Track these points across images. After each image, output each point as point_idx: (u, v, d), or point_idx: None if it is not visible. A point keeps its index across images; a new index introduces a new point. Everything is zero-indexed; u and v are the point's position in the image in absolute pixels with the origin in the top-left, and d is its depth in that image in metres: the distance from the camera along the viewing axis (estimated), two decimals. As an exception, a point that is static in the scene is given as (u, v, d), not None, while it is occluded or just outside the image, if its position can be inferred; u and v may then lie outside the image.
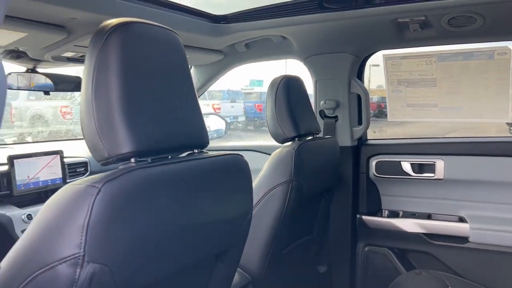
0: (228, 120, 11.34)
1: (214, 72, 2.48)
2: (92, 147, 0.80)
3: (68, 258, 0.66)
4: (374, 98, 7.81)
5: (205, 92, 2.81)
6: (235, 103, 13.57)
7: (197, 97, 0.98)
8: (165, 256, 0.81)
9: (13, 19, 1.30)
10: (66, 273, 0.66)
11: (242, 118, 13.12)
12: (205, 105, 10.52)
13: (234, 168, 0.98)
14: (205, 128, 0.98)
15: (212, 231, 0.93)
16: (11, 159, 1.80)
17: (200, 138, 0.94)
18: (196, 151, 0.94)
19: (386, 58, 2.10)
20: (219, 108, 11.84)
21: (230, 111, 12.44)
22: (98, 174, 0.72)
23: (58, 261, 0.67)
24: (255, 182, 1.65)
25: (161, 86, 0.86)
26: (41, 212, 0.72)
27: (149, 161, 0.81)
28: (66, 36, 1.48)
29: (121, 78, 0.78)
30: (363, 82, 2.23)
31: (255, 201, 1.60)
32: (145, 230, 0.74)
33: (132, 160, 0.79)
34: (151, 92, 0.83)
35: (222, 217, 0.95)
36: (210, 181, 0.91)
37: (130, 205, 0.71)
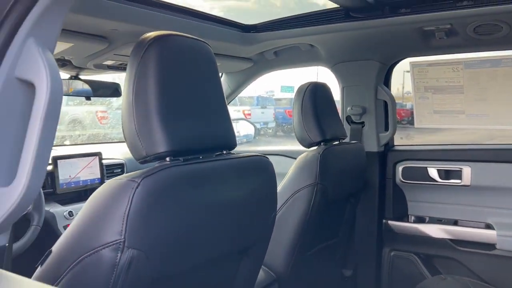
0: (258, 126, 11.43)
1: (244, 79, 2.57)
2: (131, 147, 0.89)
3: (110, 244, 0.75)
4: (408, 104, 7.74)
5: (236, 98, 2.89)
6: (265, 109, 13.66)
7: (227, 103, 1.06)
8: (195, 246, 0.88)
9: (62, 31, 1.42)
10: (109, 256, 0.75)
11: (272, 124, 13.18)
12: (235, 111, 10.65)
13: (259, 168, 1.05)
14: (233, 131, 1.05)
15: (237, 225, 1.01)
16: (55, 160, 1.94)
17: (228, 140, 1.02)
18: (224, 152, 1.02)
19: (413, 65, 2.13)
20: (249, 114, 11.95)
21: (260, 117, 12.54)
22: (137, 171, 0.81)
23: (102, 246, 0.76)
24: (281, 185, 1.71)
25: (194, 93, 0.94)
26: (88, 203, 0.82)
27: (182, 160, 0.90)
28: (107, 46, 1.59)
29: (159, 85, 0.86)
30: (390, 89, 2.26)
31: (281, 203, 1.67)
32: (177, 221, 0.82)
33: (167, 159, 0.87)
34: (185, 98, 0.92)
35: (247, 213, 1.02)
36: (236, 179, 0.98)
37: (165, 198, 0.80)
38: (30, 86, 0.68)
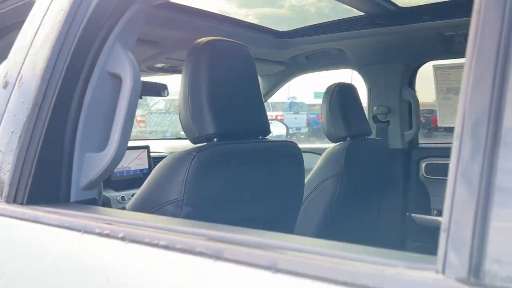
0: (291, 131, 11.60)
1: (277, 81, 2.78)
2: (187, 129, 1.11)
3: (173, 201, 0.97)
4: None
5: (269, 103, 3.10)
6: (298, 114, 13.83)
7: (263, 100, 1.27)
8: (234, 208, 1.09)
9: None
10: (171, 211, 0.97)
11: (304, 130, 13.32)
12: (268, 116, 10.86)
13: (288, 151, 1.26)
14: (268, 121, 1.26)
15: (268, 196, 1.20)
16: (110, 151, 2.19)
17: (263, 127, 1.23)
18: (260, 137, 1.23)
19: (436, 68, 2.27)
20: (282, 119, 12.14)
21: (293, 122, 12.70)
22: (192, 148, 1.03)
23: (166, 202, 0.97)
24: (309, 176, 1.90)
25: (236, 88, 1.16)
26: (155, 171, 1.04)
27: (226, 141, 1.11)
28: (159, 50, 1.84)
29: (209, 81, 1.08)
30: (413, 90, 2.41)
31: (308, 191, 1.85)
32: (221, 186, 1.03)
33: (215, 139, 1.08)
34: (229, 91, 1.13)
35: (276, 187, 1.22)
36: (268, 159, 1.19)
37: (214, 168, 1.01)
38: (117, 78, 0.91)
